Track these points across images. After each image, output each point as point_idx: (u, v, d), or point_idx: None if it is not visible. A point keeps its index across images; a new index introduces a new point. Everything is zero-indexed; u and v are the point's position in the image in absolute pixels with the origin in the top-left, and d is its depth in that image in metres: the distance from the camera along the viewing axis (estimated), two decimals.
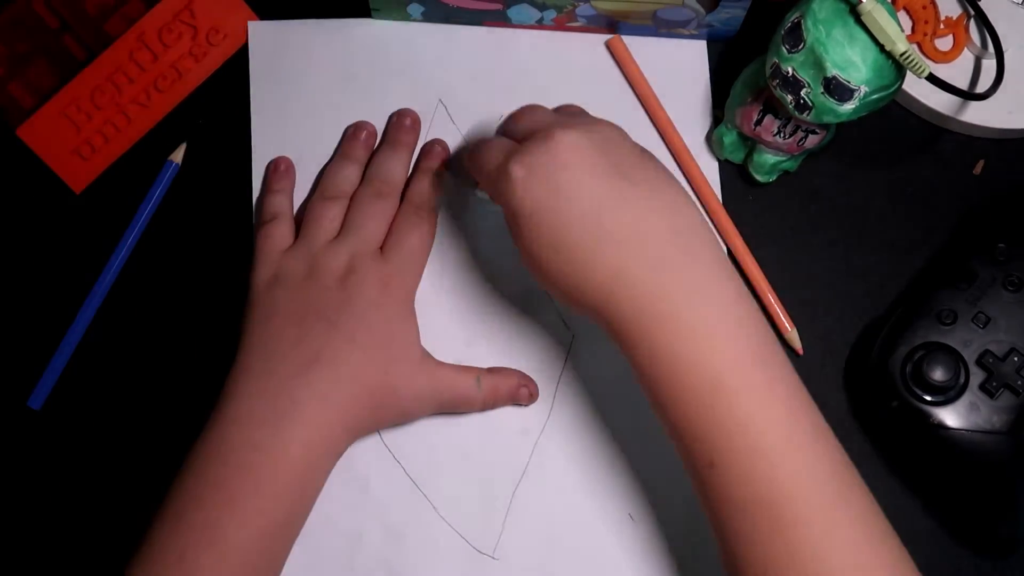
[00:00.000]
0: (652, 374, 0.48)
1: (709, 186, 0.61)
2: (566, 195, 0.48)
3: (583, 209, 0.48)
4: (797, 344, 0.60)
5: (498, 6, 0.61)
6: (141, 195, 0.62)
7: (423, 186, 0.60)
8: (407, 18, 0.63)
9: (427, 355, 0.57)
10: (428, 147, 0.61)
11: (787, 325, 0.60)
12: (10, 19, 0.58)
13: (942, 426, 0.55)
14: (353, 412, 0.54)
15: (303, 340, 0.54)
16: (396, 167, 0.60)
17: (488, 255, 0.61)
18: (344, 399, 0.54)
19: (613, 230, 0.48)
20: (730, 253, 0.61)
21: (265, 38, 0.63)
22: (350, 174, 0.60)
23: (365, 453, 0.58)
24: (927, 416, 0.55)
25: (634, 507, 0.58)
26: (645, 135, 0.61)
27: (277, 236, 0.59)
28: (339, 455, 0.55)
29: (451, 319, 0.60)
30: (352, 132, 0.61)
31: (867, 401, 0.59)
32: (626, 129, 0.53)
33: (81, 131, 0.62)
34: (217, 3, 0.63)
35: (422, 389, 0.56)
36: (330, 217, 0.59)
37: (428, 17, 0.63)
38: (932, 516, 0.58)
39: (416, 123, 0.62)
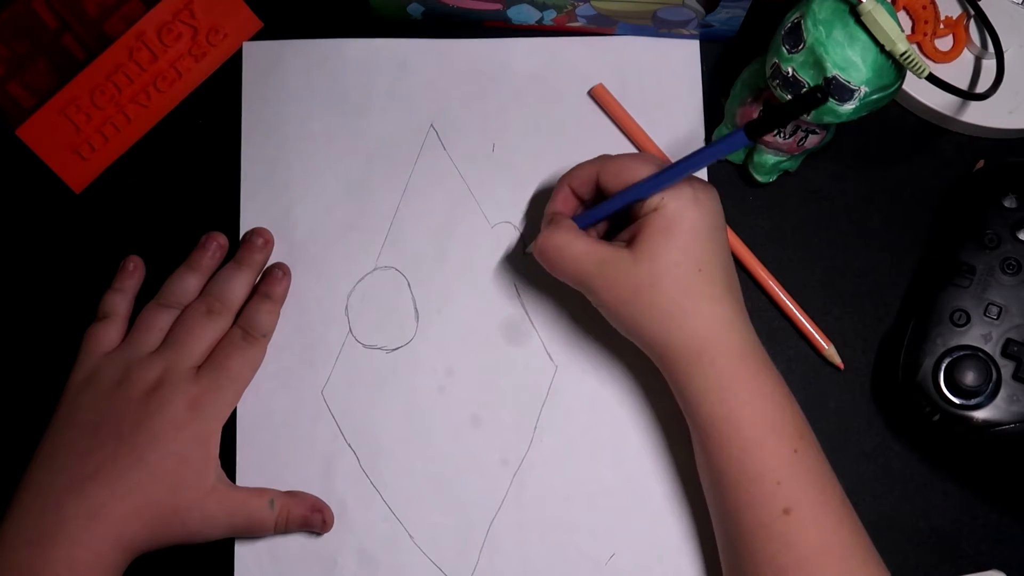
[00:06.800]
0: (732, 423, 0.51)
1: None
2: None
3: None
4: (837, 360, 0.60)
5: (498, 6, 0.61)
6: (141, 195, 0.62)
7: (257, 311, 0.59)
8: (407, 17, 0.63)
9: (221, 479, 0.56)
10: (270, 271, 0.60)
11: (823, 343, 0.60)
12: (10, 19, 0.58)
13: (987, 425, 0.55)
14: (129, 529, 0.53)
15: (90, 452, 0.53)
16: (235, 286, 0.59)
17: (475, 285, 0.60)
18: (120, 515, 0.52)
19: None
20: (751, 276, 0.61)
21: (259, 58, 0.63)
22: (190, 285, 0.59)
23: (343, 479, 0.58)
24: (970, 420, 0.56)
25: (613, 544, 0.57)
26: None
27: (102, 337, 0.58)
28: (116, 571, 0.53)
29: (433, 349, 0.60)
30: (202, 242, 0.60)
31: (905, 418, 0.59)
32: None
33: (81, 131, 0.62)
34: (217, 3, 0.63)
35: (212, 514, 0.55)
36: (159, 327, 0.58)
37: (428, 17, 0.63)
38: (995, 513, 0.59)
39: (268, 243, 0.60)
